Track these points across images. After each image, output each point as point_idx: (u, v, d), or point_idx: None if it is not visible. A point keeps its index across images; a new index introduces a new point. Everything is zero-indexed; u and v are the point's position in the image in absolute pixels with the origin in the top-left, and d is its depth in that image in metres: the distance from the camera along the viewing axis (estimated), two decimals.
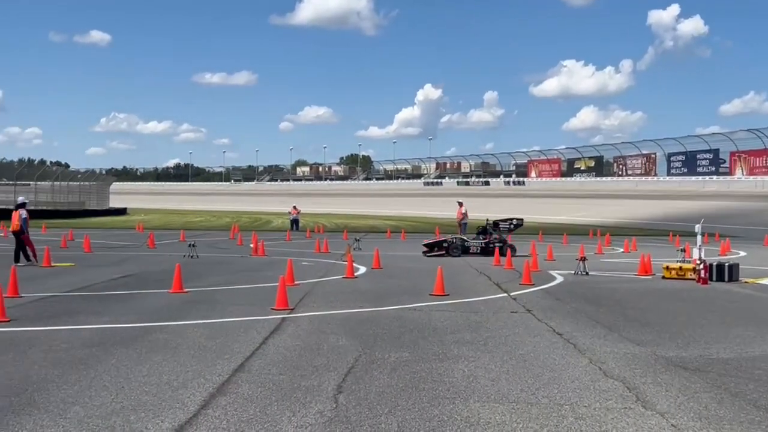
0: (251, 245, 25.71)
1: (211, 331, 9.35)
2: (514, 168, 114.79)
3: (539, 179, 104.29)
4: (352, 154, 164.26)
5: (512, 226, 24.78)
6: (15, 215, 18.93)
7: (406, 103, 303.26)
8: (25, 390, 6.29)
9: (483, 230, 24.70)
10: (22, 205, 19.47)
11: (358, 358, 7.88)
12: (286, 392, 6.39)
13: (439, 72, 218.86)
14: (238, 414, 5.71)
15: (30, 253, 18.66)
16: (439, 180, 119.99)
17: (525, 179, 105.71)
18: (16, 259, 18.29)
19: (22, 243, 18.65)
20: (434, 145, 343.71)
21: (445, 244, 24.08)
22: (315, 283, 15.31)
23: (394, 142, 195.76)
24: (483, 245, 23.92)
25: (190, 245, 22.10)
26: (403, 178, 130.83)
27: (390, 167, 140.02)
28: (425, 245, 24.39)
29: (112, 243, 29.47)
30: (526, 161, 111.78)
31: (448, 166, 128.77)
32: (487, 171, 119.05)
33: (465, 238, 25.23)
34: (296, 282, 14.73)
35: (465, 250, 23.85)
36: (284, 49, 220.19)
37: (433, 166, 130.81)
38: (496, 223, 24.68)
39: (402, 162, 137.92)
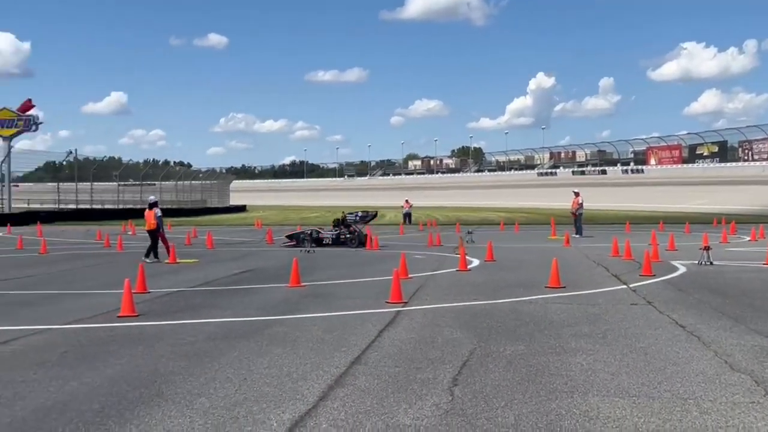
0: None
1: (329, 324, 9.53)
2: (632, 156, 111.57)
3: (659, 166, 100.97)
4: (463, 147, 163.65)
5: (357, 217, 25.52)
6: (150, 214, 19.75)
7: (517, 92, 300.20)
8: (154, 382, 6.59)
9: (337, 222, 25.40)
10: (155, 204, 20.26)
11: (473, 351, 7.86)
12: (402, 384, 6.44)
13: (552, 60, 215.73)
14: (356, 405, 5.80)
15: (165, 249, 19.47)
16: (553, 170, 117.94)
17: (644, 167, 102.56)
18: (147, 255, 19.10)
19: (156, 240, 19.49)
20: (547, 135, 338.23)
21: (301, 236, 24.24)
22: (428, 276, 15.35)
23: (506, 133, 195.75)
24: (335, 237, 24.64)
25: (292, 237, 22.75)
26: (515, 169, 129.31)
27: (502, 158, 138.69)
28: (287, 237, 25.19)
29: (232, 239, 30.43)
30: (644, 148, 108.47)
31: (562, 155, 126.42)
32: (603, 159, 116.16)
33: (319, 229, 25.68)
34: (410, 275, 14.81)
35: (318, 242, 24.14)
36: (394, 44, 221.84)
37: (547, 156, 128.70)
38: (344, 217, 25.53)
39: (514, 153, 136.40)
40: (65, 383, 6.51)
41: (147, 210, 20.00)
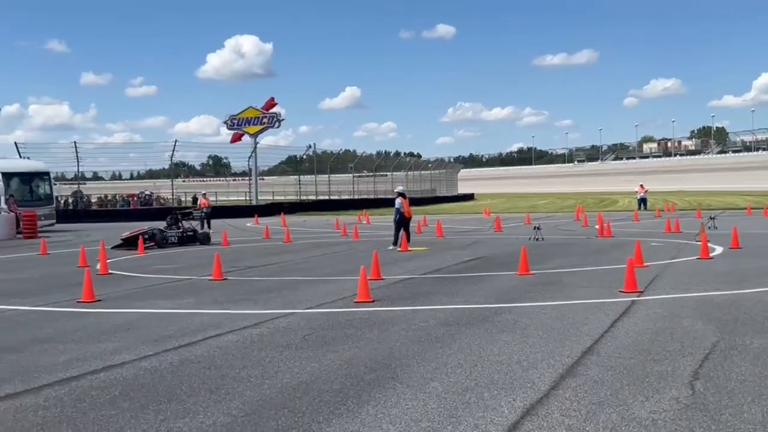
0: (596, 226, 25.27)
1: (559, 313, 9.38)
2: None
3: None
4: (703, 127, 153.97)
5: (187, 215, 24.19)
6: (406, 203, 20.57)
7: (766, 66, 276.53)
8: (389, 365, 6.84)
9: (174, 220, 23.58)
10: (403, 194, 21.11)
11: (716, 343, 7.40)
12: (638, 376, 6.21)
13: None
14: (589, 396, 5.67)
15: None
16: None
17: None
18: (396, 243, 19.87)
19: (408, 228, 20.27)
20: None
21: (146, 236, 22.08)
22: (666, 265, 14.63)
23: (753, 111, 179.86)
24: (179, 236, 23.30)
25: (535, 228, 22.34)
26: (763, 149, 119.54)
27: (748, 138, 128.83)
28: (123, 240, 22.35)
29: (461, 228, 30.79)
30: None
31: None
32: None
33: (162, 228, 23.35)
34: (645, 263, 14.19)
35: (164, 242, 22.67)
36: (625, 23, 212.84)
37: None
38: (184, 214, 24.34)
39: (762, 132, 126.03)
40: (307, 364, 6.93)
41: (402, 198, 20.65)
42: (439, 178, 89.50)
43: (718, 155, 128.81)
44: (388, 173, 75.80)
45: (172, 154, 52.22)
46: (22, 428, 5.21)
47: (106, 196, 59.55)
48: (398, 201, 20.56)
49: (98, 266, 15.86)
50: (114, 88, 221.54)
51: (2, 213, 31.76)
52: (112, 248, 21.00)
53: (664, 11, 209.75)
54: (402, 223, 20.16)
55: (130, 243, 21.67)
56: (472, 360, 6.94)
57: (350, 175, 72.48)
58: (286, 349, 7.64)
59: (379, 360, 7.04)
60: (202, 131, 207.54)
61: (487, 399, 5.67)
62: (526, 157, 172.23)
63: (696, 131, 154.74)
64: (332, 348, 7.62)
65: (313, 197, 61.69)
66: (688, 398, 5.55)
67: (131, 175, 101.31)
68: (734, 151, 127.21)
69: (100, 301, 11.34)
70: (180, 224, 24.06)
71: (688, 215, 33.45)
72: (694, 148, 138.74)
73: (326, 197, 62.52)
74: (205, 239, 23.99)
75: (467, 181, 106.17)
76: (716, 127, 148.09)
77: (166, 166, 58.85)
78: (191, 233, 24.02)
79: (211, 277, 13.95)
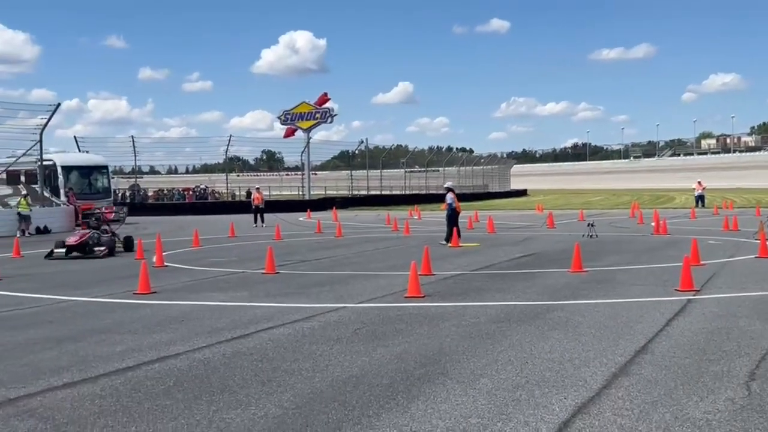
0: (652, 223, 24.86)
1: (612, 311, 9.27)
2: None
3: None
4: (764, 123, 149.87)
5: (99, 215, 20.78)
6: (455, 198, 20.52)
7: None
8: (439, 360, 6.84)
9: (93, 220, 19.99)
10: (452, 189, 21.06)
11: None
12: (693, 376, 6.10)
13: None
14: (642, 396, 5.59)
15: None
16: None
17: None
18: (448, 239, 19.85)
19: (457, 223, 20.24)
20: None
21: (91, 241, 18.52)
22: (723, 263, 14.33)
23: None
24: (81, 242, 18.29)
25: (589, 225, 22.07)
26: None
27: None
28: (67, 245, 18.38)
29: (513, 224, 30.58)
30: None
31: None
32: None
33: (99, 233, 19.10)
34: (702, 262, 13.92)
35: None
36: (684, 16, 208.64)
37: None
38: (98, 218, 20.52)
39: None
40: (358, 358, 6.97)
41: (453, 193, 20.61)
42: (492, 173, 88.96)
43: None
44: (439, 169, 75.55)
45: (227, 149, 52.86)
46: (79, 416, 5.35)
47: (162, 190, 60.53)
48: (449, 196, 20.52)
49: (154, 258, 16.17)
50: (171, 84, 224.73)
51: (62, 206, 32.60)
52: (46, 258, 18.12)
53: (724, 4, 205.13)
54: (453, 218, 20.12)
55: (76, 248, 18.22)
56: (523, 357, 6.90)
57: (402, 170, 72.43)
58: (337, 342, 7.69)
59: (429, 355, 7.05)
60: (256, 126, 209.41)
61: (537, 396, 5.63)
62: (580, 152, 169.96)
63: (756, 127, 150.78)
64: (382, 342, 7.65)
65: (364, 192, 61.89)
66: (744, 399, 5.44)
67: (187, 169, 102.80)
68: None
69: (155, 293, 11.56)
70: (105, 228, 19.84)
71: (747, 213, 32.68)
72: (754, 144, 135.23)
73: (378, 192, 62.65)
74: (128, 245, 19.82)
75: (520, 177, 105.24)
76: None
77: (221, 161, 59.64)
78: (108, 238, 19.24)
79: (264, 271, 14.11)
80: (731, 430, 4.82)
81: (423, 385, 5.99)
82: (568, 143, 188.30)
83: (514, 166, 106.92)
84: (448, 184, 22.24)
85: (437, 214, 30.99)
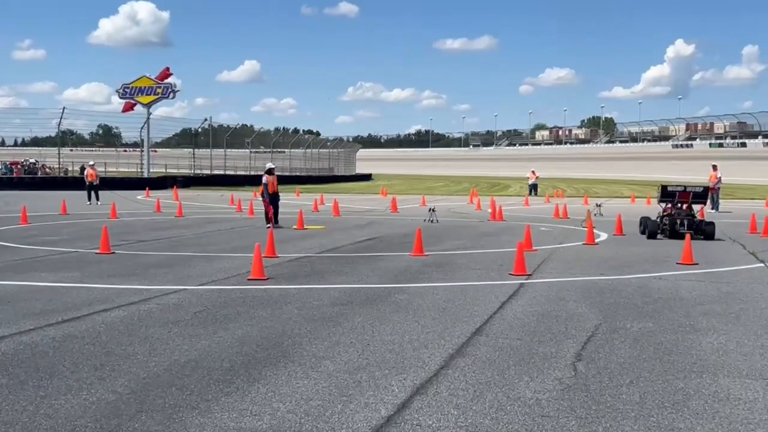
0: (489, 210, 25.81)
1: (450, 294, 9.55)
2: None
3: None
4: (593, 117, 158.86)
5: None
6: (274, 180, 20.27)
7: (654, 60, 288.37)
8: (281, 343, 6.80)
9: None
10: (270, 171, 20.67)
11: (598, 326, 7.69)
12: (524, 357, 6.39)
13: (693, 26, 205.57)
14: (477, 376, 5.79)
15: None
16: (689, 142, 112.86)
17: None
18: (277, 222, 19.64)
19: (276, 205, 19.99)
20: (684, 105, 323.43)
21: None
22: (553, 250, 15.09)
23: (640, 103, 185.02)
24: None
25: (430, 210, 22.63)
26: (648, 141, 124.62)
27: (635, 129, 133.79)
28: None
29: (358, 207, 30.87)
30: None
31: (699, 127, 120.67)
32: (743, 132, 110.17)
33: None
34: (534, 248, 14.60)
35: None
36: (526, 11, 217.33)
37: (683, 127, 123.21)
38: None
39: (648, 123, 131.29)
40: (197, 342, 6.81)
41: (270, 175, 20.29)
42: (338, 157, 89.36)
43: (606, 145, 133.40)
44: (285, 150, 75.07)
45: (60, 122, 50.27)
46: None
47: None
48: (264, 177, 20.25)
49: None
50: None
51: None
52: None
53: (563, 3, 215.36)
54: (272, 199, 19.87)
55: None
56: (365, 339, 6.98)
57: (247, 150, 71.42)
58: (175, 325, 7.48)
59: (271, 338, 6.99)
60: (93, 99, 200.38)
61: (378, 378, 5.71)
62: (423, 139, 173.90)
63: (586, 121, 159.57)
64: (223, 325, 7.51)
65: (207, 171, 60.56)
66: (571, 379, 5.75)
67: (15, 142, 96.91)
68: (621, 142, 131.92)
69: None
70: None
71: (576, 202, 34.58)
72: (583, 137, 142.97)
73: (222, 172, 61.48)
74: None
75: (365, 162, 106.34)
76: (605, 118, 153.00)
77: (53, 134, 56.65)
78: None
79: (98, 251, 13.51)
80: (559, 408, 5.08)
81: (264, 369, 5.94)
82: (412, 129, 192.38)
83: (360, 150, 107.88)
84: (268, 165, 21.62)
85: (282, 196, 30.76)
